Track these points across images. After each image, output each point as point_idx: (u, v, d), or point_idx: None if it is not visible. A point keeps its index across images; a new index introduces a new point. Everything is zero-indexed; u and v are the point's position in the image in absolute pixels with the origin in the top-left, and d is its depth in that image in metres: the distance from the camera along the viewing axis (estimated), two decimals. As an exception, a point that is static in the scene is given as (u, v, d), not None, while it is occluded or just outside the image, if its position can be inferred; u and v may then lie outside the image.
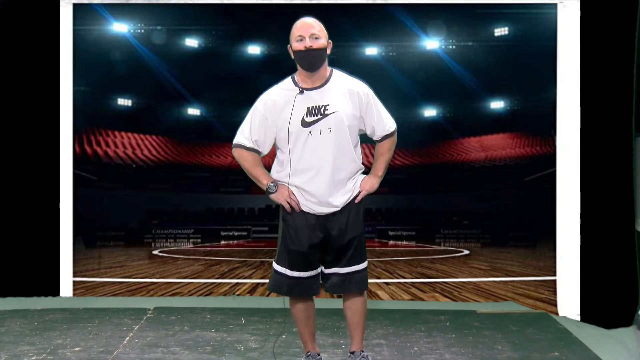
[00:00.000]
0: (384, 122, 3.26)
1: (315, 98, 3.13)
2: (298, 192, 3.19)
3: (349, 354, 3.40)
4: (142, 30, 8.95)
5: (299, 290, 3.27)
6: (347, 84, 3.19)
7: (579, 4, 5.20)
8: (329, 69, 3.21)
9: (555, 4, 5.36)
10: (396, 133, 3.31)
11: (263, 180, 3.21)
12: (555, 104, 5.40)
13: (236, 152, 3.26)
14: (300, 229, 3.20)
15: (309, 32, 3.07)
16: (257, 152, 3.23)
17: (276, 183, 3.20)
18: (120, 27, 8.33)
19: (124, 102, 14.43)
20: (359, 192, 3.23)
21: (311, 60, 3.09)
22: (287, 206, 3.20)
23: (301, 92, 3.12)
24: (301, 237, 3.20)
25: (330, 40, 3.14)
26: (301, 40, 3.08)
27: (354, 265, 3.24)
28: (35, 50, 5.55)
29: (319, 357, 3.42)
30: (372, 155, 3.37)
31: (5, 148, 5.58)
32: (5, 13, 5.52)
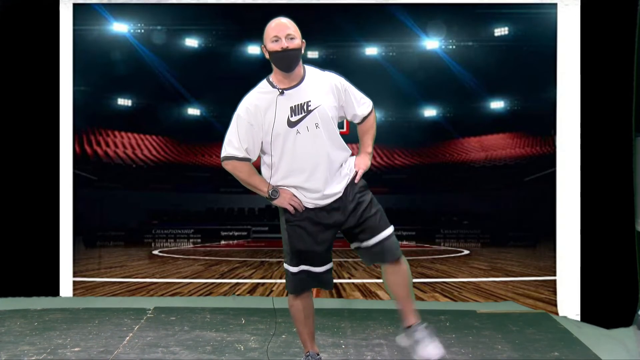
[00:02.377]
0: (362, 105, 3.32)
1: (295, 96, 3.14)
2: (297, 191, 3.19)
3: (404, 328, 3.24)
4: (142, 30, 8.95)
5: (316, 284, 3.28)
6: (322, 78, 3.23)
7: (579, 4, 5.20)
8: (302, 66, 3.21)
9: (555, 4, 5.36)
10: (374, 109, 3.36)
11: (263, 188, 3.21)
12: (555, 104, 5.40)
13: (229, 165, 3.22)
14: (306, 228, 3.20)
15: (284, 32, 3.09)
16: (249, 160, 3.21)
17: (276, 188, 3.19)
18: (120, 27, 8.32)
19: (124, 102, 14.42)
20: (356, 173, 3.26)
21: (288, 61, 3.10)
22: (291, 209, 3.19)
23: (281, 93, 3.12)
24: (307, 235, 3.20)
25: (303, 40, 3.15)
26: (277, 41, 3.08)
27: (379, 233, 3.21)
28: (35, 50, 5.55)
29: (318, 357, 3.42)
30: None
31: (5, 148, 5.58)
32: (5, 13, 5.52)
